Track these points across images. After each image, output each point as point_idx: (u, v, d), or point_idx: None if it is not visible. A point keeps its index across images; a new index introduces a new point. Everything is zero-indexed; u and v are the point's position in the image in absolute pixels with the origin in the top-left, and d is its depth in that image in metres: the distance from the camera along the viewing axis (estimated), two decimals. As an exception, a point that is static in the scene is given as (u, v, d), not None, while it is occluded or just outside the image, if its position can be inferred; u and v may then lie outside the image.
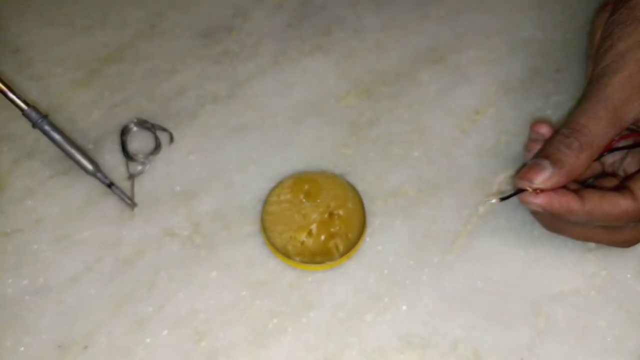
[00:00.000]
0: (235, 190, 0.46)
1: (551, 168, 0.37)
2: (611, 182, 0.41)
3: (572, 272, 0.42)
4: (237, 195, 0.45)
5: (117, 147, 0.47)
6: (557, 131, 0.39)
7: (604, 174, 0.44)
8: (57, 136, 0.43)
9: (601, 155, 0.40)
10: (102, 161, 0.46)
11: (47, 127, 0.42)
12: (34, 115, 0.42)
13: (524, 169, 0.38)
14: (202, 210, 0.45)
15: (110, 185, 0.43)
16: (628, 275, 0.42)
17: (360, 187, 0.45)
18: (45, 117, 0.42)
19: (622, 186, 0.39)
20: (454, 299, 0.41)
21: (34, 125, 0.42)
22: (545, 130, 0.41)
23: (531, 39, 0.54)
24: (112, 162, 0.47)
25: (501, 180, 0.46)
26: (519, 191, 0.38)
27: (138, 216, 0.44)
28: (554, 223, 0.41)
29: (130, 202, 0.44)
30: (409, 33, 0.54)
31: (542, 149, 0.39)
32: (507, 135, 0.48)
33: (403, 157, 0.47)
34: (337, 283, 0.42)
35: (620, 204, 0.37)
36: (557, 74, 0.52)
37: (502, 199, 0.39)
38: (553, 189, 0.38)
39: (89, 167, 0.43)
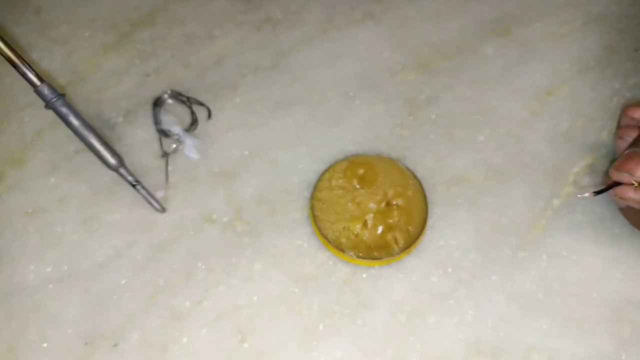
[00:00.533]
0: (281, 171, 0.41)
1: None
2: None
3: (660, 276, 0.38)
4: (283, 177, 0.41)
5: (149, 121, 0.43)
6: None
7: None
8: (75, 121, 0.36)
9: None
10: (133, 136, 0.42)
11: (63, 109, 0.36)
12: (46, 92, 0.36)
13: (620, 159, 0.33)
14: (244, 193, 0.40)
15: (135, 184, 0.38)
16: None
17: (419, 173, 0.41)
18: (61, 95, 0.36)
19: None
20: (528, 301, 0.37)
21: (47, 105, 0.36)
22: None
23: (606, 13, 0.48)
24: (144, 137, 0.42)
25: (578, 169, 0.41)
26: (615, 184, 0.33)
27: (173, 198, 0.40)
28: None
29: (159, 206, 0.39)
30: (470, 1, 0.49)
31: None
32: (582, 118, 0.43)
33: (467, 140, 0.42)
34: (395, 280, 0.37)
35: None
36: (636, 53, 0.46)
37: (597, 193, 0.35)
38: None
39: (112, 161, 0.37)
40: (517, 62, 0.46)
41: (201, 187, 0.40)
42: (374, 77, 0.45)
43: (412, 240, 0.37)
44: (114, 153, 0.37)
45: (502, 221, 0.39)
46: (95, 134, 0.37)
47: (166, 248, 0.38)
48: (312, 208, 0.38)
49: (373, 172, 0.39)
